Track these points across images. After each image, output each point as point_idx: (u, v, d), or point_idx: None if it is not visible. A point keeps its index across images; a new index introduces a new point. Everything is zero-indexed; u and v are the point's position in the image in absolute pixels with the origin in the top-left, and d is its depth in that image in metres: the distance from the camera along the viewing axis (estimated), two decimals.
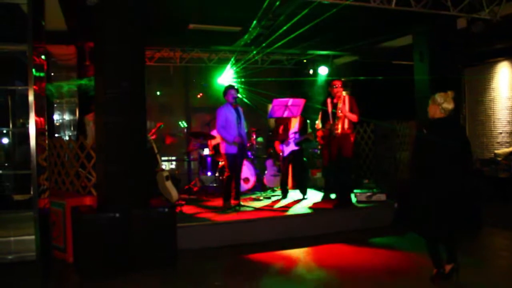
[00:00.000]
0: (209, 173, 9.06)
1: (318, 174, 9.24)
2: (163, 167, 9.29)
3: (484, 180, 8.81)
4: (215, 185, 8.91)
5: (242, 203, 7.56)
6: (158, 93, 11.81)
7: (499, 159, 10.37)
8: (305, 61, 11.67)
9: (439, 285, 4.62)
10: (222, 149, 7.41)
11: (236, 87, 7.55)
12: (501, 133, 11.28)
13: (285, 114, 7.87)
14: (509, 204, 7.12)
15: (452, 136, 4.65)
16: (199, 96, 11.88)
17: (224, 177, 7.53)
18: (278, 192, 8.69)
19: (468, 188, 5.28)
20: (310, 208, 7.42)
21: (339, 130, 7.11)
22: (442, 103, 4.66)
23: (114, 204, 5.30)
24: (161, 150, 8.52)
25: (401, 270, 5.24)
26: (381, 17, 7.74)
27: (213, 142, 8.96)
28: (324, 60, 11.42)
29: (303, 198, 8.04)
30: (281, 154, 8.24)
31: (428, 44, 7.98)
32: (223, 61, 10.91)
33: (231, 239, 6.31)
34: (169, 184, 7.63)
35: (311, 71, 11.64)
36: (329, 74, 11.09)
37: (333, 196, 7.87)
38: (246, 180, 8.93)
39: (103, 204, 5.40)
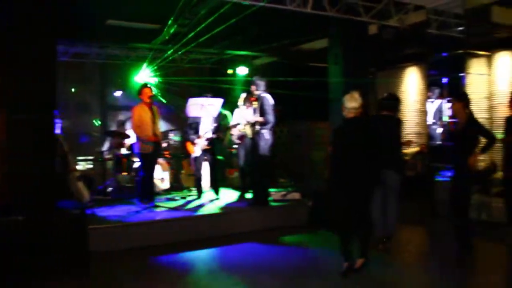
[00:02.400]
0: (124, 173, 8.83)
1: (235, 174, 9.28)
2: (79, 167, 8.96)
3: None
4: (130, 185, 8.69)
5: (157, 203, 7.44)
6: (73, 90, 11.33)
7: (407, 158, 10.93)
8: (224, 61, 11.69)
9: (350, 279, 4.78)
10: (137, 148, 7.25)
11: (151, 85, 7.41)
12: (409, 134, 11.90)
13: (202, 114, 7.83)
14: (415, 200, 7.51)
15: (365, 135, 4.90)
16: (117, 94, 11.56)
17: (139, 177, 7.37)
18: (195, 192, 8.63)
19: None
20: (225, 207, 7.43)
21: (254, 130, 7.16)
22: (349, 104, 4.87)
23: (17, 206, 5.02)
24: (74, 150, 8.20)
25: (314, 266, 5.37)
26: (297, 19, 7.92)
27: (129, 141, 8.74)
28: (243, 60, 11.51)
29: (216, 198, 8.02)
30: (193, 154, 8.14)
31: (342, 48, 8.25)
32: (141, 59, 10.69)
33: (144, 240, 6.17)
34: (81, 184, 7.35)
35: (230, 71, 11.68)
36: (248, 75, 11.21)
37: (249, 195, 7.93)
38: (162, 180, 8.80)
39: (5, 207, 5.10)
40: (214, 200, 7.96)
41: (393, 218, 5.81)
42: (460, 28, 7.68)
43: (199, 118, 8.00)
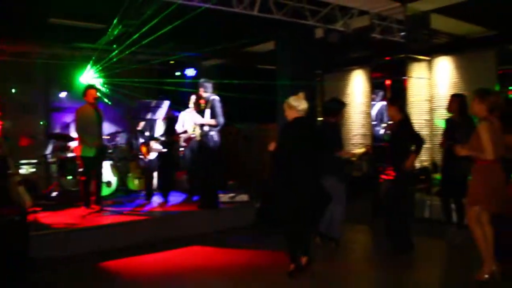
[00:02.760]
0: (69, 177, 8.60)
1: (184, 176, 9.21)
2: (21, 171, 8.63)
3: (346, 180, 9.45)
4: (75, 189, 8.47)
5: (103, 207, 7.30)
6: (13, 90, 10.91)
7: (353, 159, 11.20)
8: (172, 62, 11.59)
9: (296, 278, 4.86)
10: (80, 151, 7.08)
11: (96, 86, 7.26)
12: (356, 135, 12.20)
13: (149, 116, 7.75)
14: (360, 200, 7.70)
15: (309, 135, 4.98)
16: (62, 95, 11.23)
17: (82, 181, 7.21)
18: (142, 195, 8.52)
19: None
20: (173, 210, 7.38)
21: (202, 132, 7.14)
22: (296, 105, 4.95)
23: None
24: (15, 153, 7.91)
25: (262, 267, 5.42)
26: (245, 22, 7.96)
27: (73, 144, 8.51)
28: (192, 62, 11.45)
29: (165, 201, 7.95)
30: (147, 157, 8.07)
31: (289, 50, 8.37)
32: (86, 59, 10.44)
33: (90, 246, 6.02)
34: (22, 189, 7.08)
35: (178, 73, 11.61)
36: (197, 76, 11.17)
37: (197, 198, 7.91)
38: (109, 183, 8.64)
39: None
40: (162, 203, 7.88)
41: (337, 221, 5.96)
42: (402, 33, 7.94)
43: (151, 120, 7.91)
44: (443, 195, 6.38)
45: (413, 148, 5.63)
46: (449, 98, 6.43)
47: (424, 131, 8.20)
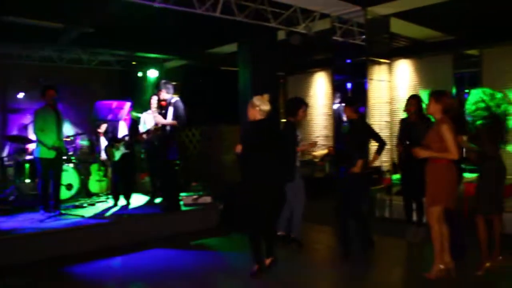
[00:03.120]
0: (27, 180, 8.36)
1: (146, 178, 9.11)
2: None
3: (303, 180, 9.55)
4: (34, 193, 8.23)
5: (63, 211, 7.14)
6: None
7: (316, 160, 11.33)
8: (134, 63, 11.45)
9: (260, 279, 4.87)
10: (38, 153, 6.89)
11: (55, 87, 7.08)
12: (318, 136, 12.35)
13: (109, 117, 7.62)
14: (323, 200, 7.79)
15: (273, 137, 5.01)
16: (19, 96, 10.93)
17: (41, 184, 7.02)
18: (104, 198, 8.36)
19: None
20: (135, 213, 7.28)
21: (164, 134, 7.06)
22: (260, 106, 4.96)
23: None
24: None
25: (226, 269, 5.42)
26: (207, 23, 7.95)
27: (32, 146, 8.29)
28: (154, 63, 11.35)
29: (128, 204, 7.83)
30: (112, 159, 7.92)
31: (251, 52, 8.39)
32: (46, 59, 10.21)
33: (49, 251, 5.83)
34: None
35: (140, 74, 11.47)
36: (159, 77, 11.06)
37: (159, 200, 7.82)
38: (69, 186, 8.45)
39: None
40: (124, 206, 7.76)
41: (298, 221, 6.03)
42: (363, 37, 8.08)
43: (114, 121, 7.77)
44: (404, 195, 6.49)
45: (372, 149, 5.75)
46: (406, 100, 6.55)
47: (384, 132, 8.37)
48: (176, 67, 11.87)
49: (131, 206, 7.77)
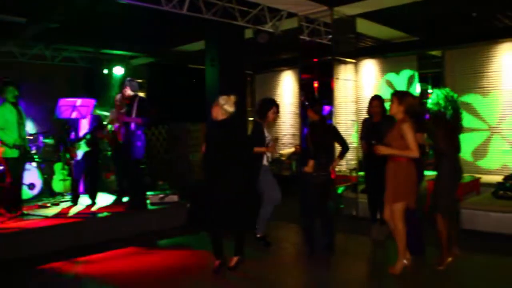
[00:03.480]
0: None
1: (112, 177, 8.96)
2: None
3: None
4: None
5: (25, 211, 6.96)
6: None
7: (283, 158, 11.40)
8: (99, 60, 11.24)
9: (226, 277, 4.90)
10: (1, 152, 6.70)
11: (16, 84, 6.89)
12: (285, 135, 12.42)
13: (73, 115, 7.47)
14: (290, 198, 7.81)
15: (234, 137, 5.02)
16: None
17: (4, 184, 6.82)
18: (68, 198, 8.19)
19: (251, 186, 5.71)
20: (102, 213, 7.16)
21: (129, 132, 6.96)
22: (224, 105, 4.96)
23: None
24: None
25: (194, 267, 5.40)
26: (174, 20, 7.87)
27: None
28: (120, 60, 11.18)
29: (93, 203, 7.70)
30: (74, 158, 7.77)
31: (219, 50, 8.35)
32: (7, 54, 9.90)
33: (10, 253, 5.67)
34: None
35: (106, 71, 11.27)
36: (125, 75, 10.90)
37: (126, 199, 7.72)
38: (32, 186, 8.24)
39: None
40: (90, 205, 7.63)
41: (264, 219, 6.08)
42: (329, 36, 8.15)
43: (75, 119, 7.62)
44: (368, 193, 6.59)
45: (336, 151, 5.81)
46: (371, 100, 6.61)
47: (350, 131, 8.47)
48: (143, 65, 11.73)
49: (97, 205, 7.64)
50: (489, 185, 8.13)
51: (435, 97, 5.06)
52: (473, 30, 9.38)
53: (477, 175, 8.80)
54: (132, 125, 6.95)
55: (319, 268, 5.41)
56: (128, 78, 7.20)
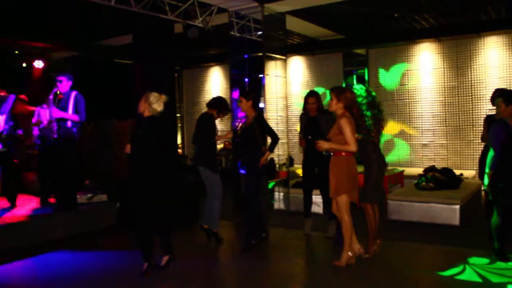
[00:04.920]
0: None
1: (35, 177, 8.48)
2: None
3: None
4: None
5: None
6: None
7: None
8: (17, 52, 10.62)
9: (156, 277, 4.83)
10: None
11: None
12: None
13: None
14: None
15: (157, 135, 4.91)
16: None
17: None
18: None
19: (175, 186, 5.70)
20: (25, 215, 6.74)
21: (60, 129, 6.60)
22: (153, 104, 4.87)
23: None
24: None
25: (122, 269, 5.23)
26: (98, 12, 7.59)
27: None
28: (40, 53, 10.61)
29: (12, 206, 7.23)
30: None
31: (147, 44, 8.14)
32: None
33: None
34: None
35: (24, 65, 10.67)
36: (45, 69, 10.36)
37: (52, 200, 7.32)
38: None
39: None
40: (10, 208, 7.16)
41: (214, 215, 6.11)
42: (260, 33, 8.19)
43: None
44: (304, 189, 6.65)
45: (267, 145, 5.89)
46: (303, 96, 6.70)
47: (280, 127, 8.57)
48: (65, 58, 11.21)
49: (19, 207, 7.18)
50: (411, 177, 8.58)
51: (358, 93, 5.28)
52: (395, 30, 9.83)
53: (401, 168, 9.26)
54: (69, 123, 6.59)
55: (254, 263, 5.42)
56: (61, 73, 6.79)
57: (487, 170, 5.08)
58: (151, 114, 4.90)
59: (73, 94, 6.67)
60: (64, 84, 6.67)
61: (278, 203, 8.20)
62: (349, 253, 4.99)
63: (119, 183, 7.77)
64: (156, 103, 4.89)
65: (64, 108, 6.59)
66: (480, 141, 8.27)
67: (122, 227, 6.97)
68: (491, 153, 5.02)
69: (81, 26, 8.82)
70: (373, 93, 5.42)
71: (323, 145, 4.92)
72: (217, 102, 6.26)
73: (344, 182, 4.86)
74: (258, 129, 5.76)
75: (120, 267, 5.30)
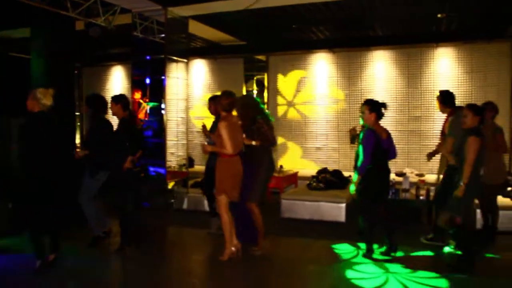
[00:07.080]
0: None
1: None
2: None
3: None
4: None
5: None
6: None
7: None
8: None
9: (46, 273, 4.90)
10: None
11: None
12: None
13: None
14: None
15: (51, 131, 4.97)
16: None
17: None
18: None
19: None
20: None
21: None
22: (41, 99, 4.89)
23: None
24: None
25: (14, 270, 5.18)
26: None
27: None
28: None
29: None
30: None
31: (46, 40, 7.93)
32: None
33: None
34: None
35: None
36: None
37: None
38: None
39: None
40: None
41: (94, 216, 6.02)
42: (162, 35, 8.33)
43: None
44: (203, 189, 6.88)
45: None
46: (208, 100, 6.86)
47: (180, 128, 8.78)
48: None
49: None
50: (306, 178, 9.14)
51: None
52: (293, 39, 10.41)
53: (296, 169, 9.82)
54: None
55: (145, 261, 5.54)
56: None
57: (354, 178, 5.40)
58: (41, 109, 4.91)
59: None
60: None
61: (177, 203, 8.34)
62: (232, 248, 5.32)
63: (11, 183, 7.47)
64: (44, 97, 4.92)
65: None
66: None
67: (15, 228, 6.72)
68: (360, 160, 5.30)
69: None
70: (257, 99, 5.89)
71: (206, 148, 5.27)
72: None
73: (224, 182, 5.20)
74: (122, 133, 5.77)
75: (9, 268, 5.26)
